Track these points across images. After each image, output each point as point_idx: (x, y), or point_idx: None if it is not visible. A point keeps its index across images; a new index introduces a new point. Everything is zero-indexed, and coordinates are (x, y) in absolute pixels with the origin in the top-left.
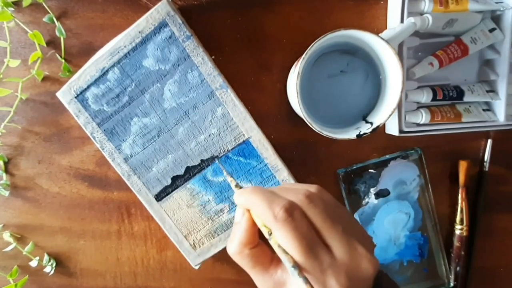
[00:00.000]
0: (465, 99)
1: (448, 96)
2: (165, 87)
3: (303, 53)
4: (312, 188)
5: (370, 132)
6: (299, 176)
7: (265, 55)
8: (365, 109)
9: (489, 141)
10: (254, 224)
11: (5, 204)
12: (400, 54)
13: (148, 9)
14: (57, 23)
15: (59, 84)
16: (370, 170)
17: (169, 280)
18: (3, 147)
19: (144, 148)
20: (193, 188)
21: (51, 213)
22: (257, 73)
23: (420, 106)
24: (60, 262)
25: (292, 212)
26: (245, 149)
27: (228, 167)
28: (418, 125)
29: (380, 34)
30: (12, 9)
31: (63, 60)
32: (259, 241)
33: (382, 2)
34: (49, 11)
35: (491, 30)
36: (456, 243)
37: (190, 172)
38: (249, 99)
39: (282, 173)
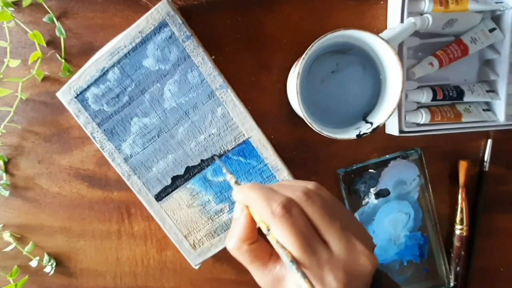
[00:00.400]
0: (465, 99)
1: (448, 96)
2: (165, 87)
3: (303, 53)
4: (310, 184)
5: (370, 132)
6: (299, 176)
7: (265, 55)
8: (365, 109)
9: (489, 141)
10: (252, 220)
11: (5, 204)
12: (400, 54)
13: (148, 9)
14: (57, 23)
15: (59, 84)
16: (370, 170)
17: (169, 280)
18: (3, 147)
19: (144, 148)
20: (193, 188)
21: (51, 213)
22: (257, 73)
23: (420, 106)
24: (60, 262)
25: (290, 208)
26: (245, 149)
27: (228, 167)
28: (418, 125)
29: (380, 34)
30: (12, 9)
31: (63, 60)
32: (258, 237)
33: (382, 2)
34: (49, 11)
35: (491, 30)
36: (456, 243)
37: (190, 172)
38: (249, 99)
39: (282, 173)
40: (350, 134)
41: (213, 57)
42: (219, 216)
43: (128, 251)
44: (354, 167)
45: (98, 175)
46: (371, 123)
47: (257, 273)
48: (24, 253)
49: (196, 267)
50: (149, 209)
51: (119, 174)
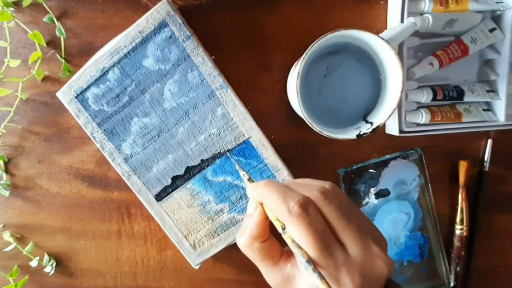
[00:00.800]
0: (465, 99)
1: (448, 96)
2: (165, 87)
3: (303, 53)
4: (327, 184)
5: (370, 132)
6: (299, 176)
7: (265, 55)
8: (365, 109)
9: (489, 141)
10: (266, 218)
11: (5, 204)
12: (400, 54)
13: (148, 9)
14: (57, 23)
15: (59, 84)
16: (370, 170)
17: (169, 280)
18: (3, 147)
19: (144, 148)
20: (193, 188)
21: (51, 213)
22: (257, 73)
23: (420, 106)
24: (60, 262)
25: (307, 207)
26: (245, 149)
27: (229, 167)
28: (418, 125)
29: (380, 34)
30: (12, 9)
31: (63, 60)
32: (269, 235)
33: (382, 2)
34: (49, 11)
35: (491, 30)
36: (456, 243)
37: (190, 172)
38: (249, 99)
39: (282, 173)
40: (350, 134)
41: (213, 57)
42: (219, 216)
43: (128, 251)
44: (354, 167)
45: (98, 175)
46: (371, 123)
47: (267, 271)
48: (24, 253)
49: (196, 267)
50: (149, 209)
51: (119, 174)
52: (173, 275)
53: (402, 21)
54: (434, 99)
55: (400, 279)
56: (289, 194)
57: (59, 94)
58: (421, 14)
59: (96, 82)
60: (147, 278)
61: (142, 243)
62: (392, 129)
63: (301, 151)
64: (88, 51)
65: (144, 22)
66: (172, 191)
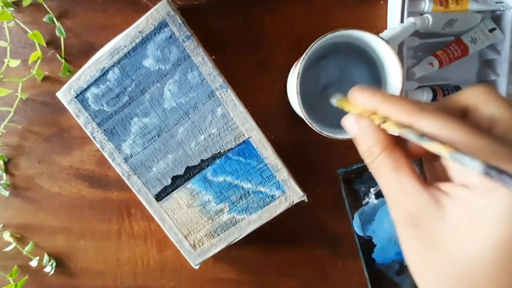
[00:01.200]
0: None
1: None
2: (165, 87)
3: (303, 53)
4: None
5: None
6: (299, 176)
7: (265, 55)
8: None
9: None
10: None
11: (5, 204)
12: (400, 54)
13: (148, 9)
14: (57, 23)
15: (59, 84)
16: (370, 170)
17: (169, 280)
18: (3, 147)
19: (144, 148)
20: (193, 188)
21: (51, 213)
22: (257, 73)
23: None
24: (60, 262)
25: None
26: (245, 149)
27: (228, 167)
28: None
29: (380, 34)
30: (12, 9)
31: (63, 60)
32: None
33: (382, 2)
34: (49, 11)
35: (491, 30)
36: None
37: (190, 172)
38: (249, 99)
39: (282, 173)
40: None
41: (213, 57)
42: (219, 216)
43: (128, 251)
44: (354, 167)
45: (98, 175)
46: None
47: (406, 184)
48: (24, 253)
49: (196, 267)
50: (149, 209)
51: (119, 174)
52: (173, 275)
53: (402, 21)
54: (434, 99)
55: (400, 279)
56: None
57: (59, 94)
58: (421, 14)
59: (96, 82)
60: (147, 278)
61: (142, 243)
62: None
63: (301, 151)
64: (88, 51)
65: (144, 22)
66: (172, 191)
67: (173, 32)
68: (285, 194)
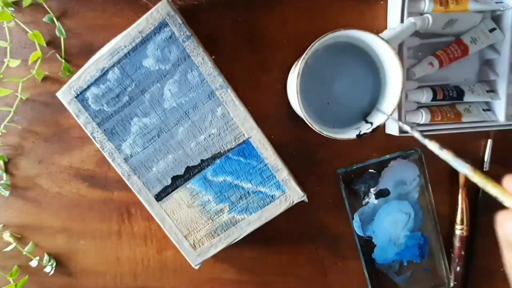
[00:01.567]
0: (465, 99)
1: (448, 96)
2: (165, 87)
3: (303, 53)
4: None
5: (370, 132)
6: (299, 176)
7: (265, 55)
8: (365, 109)
9: (489, 141)
10: None
11: (5, 204)
12: (400, 54)
13: (148, 9)
14: (57, 23)
15: (59, 84)
16: (370, 170)
17: (169, 280)
18: (3, 147)
19: (144, 148)
20: (193, 188)
21: (51, 213)
22: (257, 73)
23: (420, 106)
24: (60, 262)
25: None
26: (245, 149)
27: (228, 167)
28: (418, 125)
29: (380, 34)
30: (12, 9)
31: (63, 60)
32: None
33: (382, 2)
34: (49, 11)
35: (491, 30)
36: (456, 243)
37: (190, 172)
38: (249, 99)
39: (282, 173)
40: (350, 134)
41: (213, 57)
42: (219, 216)
43: (128, 251)
44: (354, 167)
45: (98, 175)
46: (371, 123)
47: None
48: (24, 253)
49: (196, 267)
50: (149, 209)
51: (119, 174)
52: (173, 275)
53: (402, 21)
54: (434, 99)
55: (400, 279)
56: None
57: (59, 94)
58: (421, 14)
59: (96, 82)
60: (147, 278)
61: (142, 243)
62: (392, 129)
63: (301, 151)
64: (88, 51)
65: (144, 22)
66: (172, 191)
67: (173, 32)
68: (285, 194)
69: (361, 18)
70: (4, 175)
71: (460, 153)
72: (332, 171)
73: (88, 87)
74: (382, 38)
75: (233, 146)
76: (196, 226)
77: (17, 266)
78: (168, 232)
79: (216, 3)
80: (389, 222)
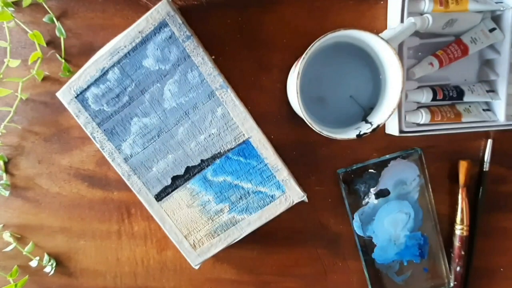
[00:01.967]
0: (465, 99)
1: (448, 96)
2: (165, 87)
3: (303, 53)
4: None
5: (370, 132)
6: (299, 176)
7: (265, 55)
8: (365, 109)
9: (489, 141)
10: None
11: (5, 204)
12: (400, 54)
13: (148, 9)
14: (57, 23)
15: (59, 84)
16: (370, 170)
17: (169, 280)
18: (3, 147)
19: (144, 148)
20: (193, 188)
21: (51, 213)
22: (257, 73)
23: (420, 106)
24: (60, 262)
25: None
26: (245, 149)
27: (228, 167)
28: (418, 125)
29: (380, 34)
30: (12, 9)
31: (63, 60)
32: None
33: (382, 2)
34: (49, 11)
35: (491, 30)
36: (456, 243)
37: (190, 172)
38: (249, 99)
39: (282, 173)
40: (350, 134)
41: (213, 57)
42: (219, 216)
43: (128, 251)
44: (354, 167)
45: (98, 175)
46: (371, 123)
47: None
48: (24, 253)
49: (196, 267)
50: (149, 209)
51: (119, 174)
52: (173, 275)
53: (402, 21)
54: (434, 99)
55: (400, 279)
56: None
57: (58, 94)
58: (421, 14)
59: (96, 82)
60: (147, 278)
61: (142, 243)
62: (392, 129)
63: (301, 151)
64: (88, 51)
65: (144, 22)
66: (172, 191)
67: (173, 32)
68: (285, 194)
69: (361, 18)
70: (4, 175)
71: (460, 153)
72: (332, 171)
73: (88, 87)
74: (382, 38)
75: (233, 146)
76: (196, 226)
77: (17, 266)
78: (168, 232)
79: (216, 3)
80: (389, 222)
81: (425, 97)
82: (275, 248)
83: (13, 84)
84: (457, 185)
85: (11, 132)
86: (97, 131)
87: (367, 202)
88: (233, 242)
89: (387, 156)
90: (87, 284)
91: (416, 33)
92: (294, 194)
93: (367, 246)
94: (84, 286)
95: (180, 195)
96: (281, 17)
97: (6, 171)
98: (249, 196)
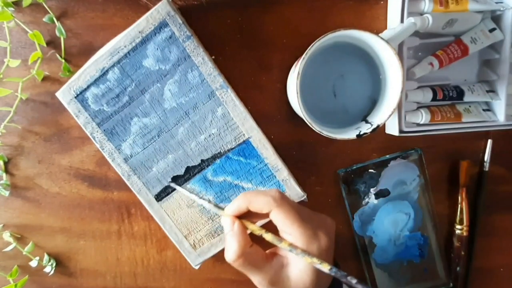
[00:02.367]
0: (465, 99)
1: (448, 96)
2: (165, 87)
3: (303, 53)
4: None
5: (370, 132)
6: (299, 176)
7: (265, 55)
8: (365, 109)
9: (489, 141)
10: (245, 228)
11: (5, 204)
12: (400, 54)
13: (148, 9)
14: (57, 23)
15: (59, 84)
16: (370, 170)
17: (169, 280)
18: (3, 147)
19: (144, 148)
20: (193, 188)
21: (51, 213)
22: (257, 73)
23: (420, 106)
24: (60, 262)
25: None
26: (245, 149)
27: (229, 167)
28: (418, 125)
29: (380, 34)
30: (12, 9)
31: (63, 60)
32: (252, 242)
33: (382, 2)
34: (49, 11)
35: (491, 30)
36: (456, 243)
37: (190, 172)
38: (249, 99)
39: (282, 173)
40: (350, 134)
41: (213, 57)
42: (219, 216)
43: (128, 251)
44: (354, 167)
45: (98, 175)
46: (371, 123)
47: (260, 271)
48: (24, 253)
49: (196, 267)
50: (149, 209)
51: (119, 174)
52: (173, 275)
53: (402, 21)
54: (434, 99)
55: (400, 279)
56: (266, 192)
57: (58, 94)
58: (421, 14)
59: (96, 82)
60: (147, 278)
61: (142, 243)
62: (392, 129)
63: (301, 151)
64: (88, 51)
65: (144, 22)
66: (172, 191)
67: (173, 32)
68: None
69: (361, 18)
70: (4, 175)
71: (460, 153)
72: (332, 171)
73: (88, 87)
74: (382, 38)
75: (233, 146)
76: (196, 226)
77: (17, 266)
78: (168, 232)
79: (216, 3)
80: (389, 222)
81: (425, 97)
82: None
83: (13, 84)
84: (457, 185)
85: (11, 132)
86: (97, 131)
87: (367, 202)
88: None
89: (387, 156)
90: (87, 284)
91: (416, 33)
92: (294, 194)
93: (367, 246)
94: (84, 286)
95: (180, 195)
96: (281, 17)
97: (6, 171)
98: None
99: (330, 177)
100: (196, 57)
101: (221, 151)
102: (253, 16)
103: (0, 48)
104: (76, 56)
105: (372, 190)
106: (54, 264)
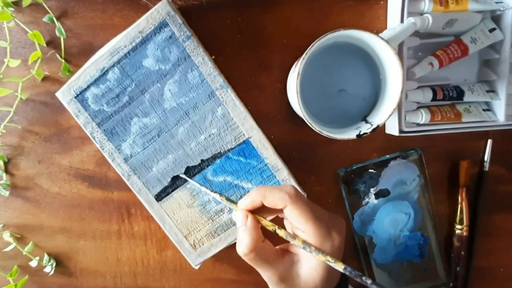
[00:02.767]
0: (465, 99)
1: (448, 96)
2: (165, 87)
3: (303, 53)
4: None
5: (370, 132)
6: (299, 176)
7: (265, 55)
8: (365, 109)
9: (489, 141)
10: (258, 223)
11: (5, 204)
12: (400, 54)
13: (148, 9)
14: (57, 23)
15: (59, 84)
16: (370, 170)
17: (169, 280)
18: (3, 147)
19: (144, 148)
20: (193, 188)
21: (51, 213)
22: (257, 73)
23: (420, 106)
24: (60, 262)
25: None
26: (245, 149)
27: (229, 167)
28: (418, 125)
29: (380, 34)
30: (12, 9)
31: (63, 60)
32: (264, 237)
33: (382, 2)
34: (49, 11)
35: (491, 30)
36: (456, 243)
37: (190, 172)
38: (249, 99)
39: (282, 173)
40: (350, 134)
41: (213, 57)
42: (219, 216)
43: (128, 251)
44: (354, 167)
45: (98, 175)
46: (371, 123)
47: (271, 267)
48: (24, 253)
49: (196, 267)
50: (149, 209)
51: (119, 174)
52: (173, 275)
53: (402, 21)
54: (434, 99)
55: (400, 279)
56: (281, 188)
57: (58, 94)
58: (421, 14)
59: (96, 82)
60: (147, 278)
61: (142, 243)
62: (392, 129)
63: (301, 151)
64: (88, 51)
65: (144, 22)
66: (172, 191)
67: (173, 32)
68: None
69: (361, 18)
70: (4, 175)
71: (460, 153)
72: (332, 171)
73: (88, 87)
74: (382, 38)
75: (233, 146)
76: (196, 226)
77: (17, 266)
78: (168, 232)
79: (216, 3)
80: (389, 222)
81: (425, 97)
82: None
83: (13, 84)
84: (457, 185)
85: (11, 132)
86: (97, 131)
87: (367, 202)
88: (233, 242)
89: (387, 156)
90: (87, 284)
91: (416, 33)
92: None
93: (367, 246)
94: (84, 286)
95: (180, 195)
96: (281, 17)
97: (6, 171)
98: None
99: (330, 177)
100: (196, 57)
101: (221, 151)
102: (253, 16)
103: (0, 48)
104: (76, 56)
105: (372, 190)
106: (54, 264)
